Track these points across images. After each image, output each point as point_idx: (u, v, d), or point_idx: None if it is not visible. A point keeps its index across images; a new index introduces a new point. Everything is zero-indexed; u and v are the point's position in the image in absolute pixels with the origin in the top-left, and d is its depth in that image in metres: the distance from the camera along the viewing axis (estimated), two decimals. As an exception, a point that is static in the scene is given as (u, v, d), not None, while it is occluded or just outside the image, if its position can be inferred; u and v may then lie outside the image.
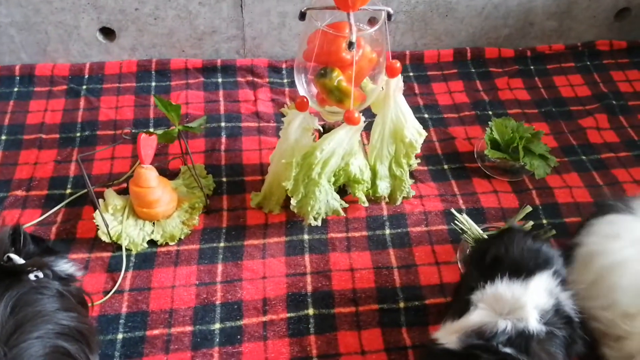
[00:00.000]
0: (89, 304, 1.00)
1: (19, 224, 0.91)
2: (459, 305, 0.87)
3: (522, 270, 0.85)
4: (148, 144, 1.17)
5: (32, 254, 0.91)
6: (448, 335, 0.83)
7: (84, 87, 1.51)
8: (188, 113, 1.46)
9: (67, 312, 0.86)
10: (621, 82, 1.61)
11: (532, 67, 1.64)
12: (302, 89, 1.12)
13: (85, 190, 1.19)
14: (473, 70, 1.63)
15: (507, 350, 0.80)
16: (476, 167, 1.37)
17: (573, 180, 1.35)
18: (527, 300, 0.82)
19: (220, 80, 1.55)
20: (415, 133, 1.19)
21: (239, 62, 1.57)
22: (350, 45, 0.98)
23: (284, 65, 1.58)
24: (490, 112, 1.51)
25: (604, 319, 0.93)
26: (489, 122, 1.37)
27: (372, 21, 1.52)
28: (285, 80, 1.56)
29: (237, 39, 1.56)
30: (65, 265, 0.95)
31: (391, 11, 1.03)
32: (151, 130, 1.41)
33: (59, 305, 0.86)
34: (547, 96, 1.56)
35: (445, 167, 1.37)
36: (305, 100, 1.10)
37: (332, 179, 1.16)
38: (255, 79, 1.55)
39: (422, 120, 1.45)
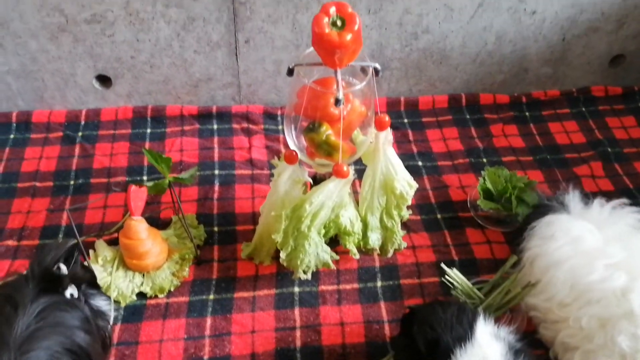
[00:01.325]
0: (109, 349, 1.00)
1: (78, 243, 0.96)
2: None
3: (462, 334, 0.86)
4: (138, 195, 1.17)
5: (77, 275, 0.93)
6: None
7: (80, 133, 1.52)
8: (182, 160, 1.46)
9: (85, 333, 0.88)
10: (616, 129, 1.60)
11: (527, 113, 1.64)
12: (291, 141, 1.12)
13: (76, 241, 1.19)
14: (468, 116, 1.63)
15: None
16: (469, 216, 1.36)
17: (568, 230, 1.33)
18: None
19: (215, 127, 1.56)
20: (405, 185, 1.18)
21: (234, 108, 1.58)
22: (337, 102, 0.99)
23: (279, 112, 1.59)
24: (484, 160, 1.50)
25: (543, 309, 1.08)
26: (482, 172, 1.36)
27: (364, 71, 1.54)
28: (280, 127, 1.57)
29: (233, 86, 1.57)
30: (101, 302, 0.98)
31: (378, 67, 1.04)
32: (144, 178, 1.42)
33: (79, 325, 0.88)
34: (542, 143, 1.56)
35: (439, 216, 1.37)
36: (294, 153, 1.11)
37: (323, 231, 1.15)
38: (251, 126, 1.56)
39: (415, 168, 1.46)
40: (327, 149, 1.08)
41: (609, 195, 1.40)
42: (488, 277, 1.22)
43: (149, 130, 1.54)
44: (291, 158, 1.11)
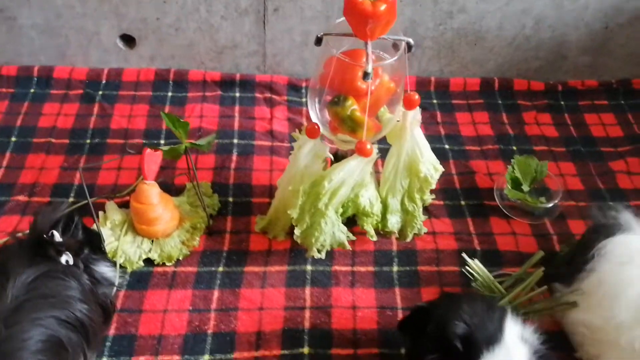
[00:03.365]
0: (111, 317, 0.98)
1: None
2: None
3: (493, 337, 0.81)
4: (153, 159, 1.13)
5: (77, 241, 0.91)
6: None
7: (100, 92, 1.49)
8: (201, 127, 1.42)
9: (82, 303, 0.85)
10: (657, 124, 1.53)
11: (562, 103, 1.57)
12: (314, 114, 1.08)
13: (86, 202, 1.16)
14: (500, 101, 1.56)
15: None
16: (495, 205, 1.30)
17: (597, 227, 1.27)
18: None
19: (237, 94, 1.52)
20: (431, 168, 1.13)
21: (258, 77, 1.54)
22: (366, 75, 0.94)
23: (304, 84, 1.54)
24: (514, 147, 1.44)
25: (596, 327, 1.01)
26: (512, 160, 1.30)
27: (395, 46, 1.48)
28: (303, 100, 1.51)
29: (258, 55, 1.52)
30: (105, 269, 0.97)
31: (411, 42, 0.99)
32: (162, 142, 1.38)
33: (74, 294, 0.85)
34: (576, 134, 1.49)
35: (463, 203, 1.31)
36: (316, 127, 1.06)
37: (340, 210, 1.11)
38: (274, 96, 1.51)
39: (442, 151, 1.41)
40: (351, 125, 1.03)
41: (642, 194, 1.35)
42: (511, 270, 1.17)
43: (169, 94, 1.50)
44: (313, 132, 1.06)
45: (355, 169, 1.06)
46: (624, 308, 0.96)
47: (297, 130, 1.25)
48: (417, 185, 1.14)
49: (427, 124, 1.49)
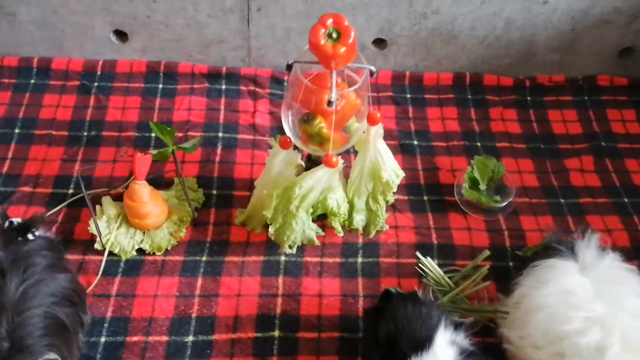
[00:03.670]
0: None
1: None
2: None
3: (422, 340, 0.94)
4: (143, 162, 1.25)
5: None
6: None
7: (95, 84, 1.60)
8: (189, 120, 1.54)
9: (64, 273, 1.02)
10: (615, 122, 1.63)
11: (529, 98, 1.67)
12: (287, 127, 1.19)
13: (82, 195, 1.29)
14: (470, 96, 1.66)
15: None
16: (454, 201, 1.43)
17: (547, 223, 1.40)
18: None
19: (223, 87, 1.62)
20: (392, 174, 1.26)
21: (243, 70, 1.64)
22: (329, 103, 1.04)
23: (285, 77, 1.64)
24: (479, 144, 1.55)
25: (518, 346, 1.10)
26: (473, 159, 1.42)
27: (377, 43, 1.58)
28: (284, 92, 1.62)
29: (243, 49, 1.62)
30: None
31: (373, 69, 1.09)
32: (152, 135, 1.50)
33: (57, 269, 1.01)
34: (538, 131, 1.60)
35: (425, 198, 1.44)
36: (288, 140, 1.18)
37: (311, 210, 1.24)
38: (257, 89, 1.62)
39: (410, 147, 1.53)
40: (319, 140, 1.15)
41: (594, 191, 1.47)
42: (464, 263, 1.31)
43: (160, 86, 1.61)
44: (285, 144, 1.18)
45: (323, 177, 1.19)
46: (534, 329, 1.06)
47: (272, 138, 1.37)
48: (380, 189, 1.27)
49: (400, 119, 1.60)
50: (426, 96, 1.66)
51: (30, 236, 1.03)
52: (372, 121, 1.17)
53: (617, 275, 1.12)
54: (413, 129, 1.58)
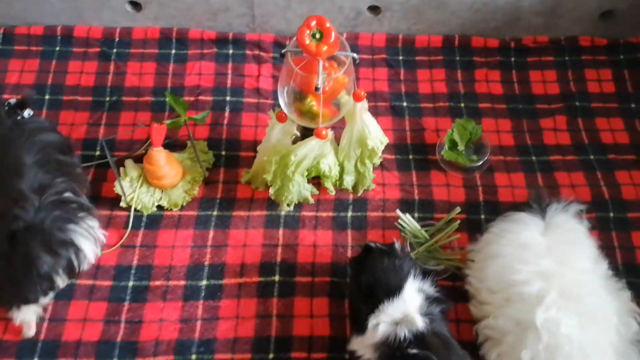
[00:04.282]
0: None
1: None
2: (360, 325, 1.16)
3: (394, 288, 1.14)
4: (159, 131, 1.44)
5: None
6: (363, 348, 1.13)
7: (114, 50, 1.75)
8: (200, 85, 1.70)
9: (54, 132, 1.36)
10: (591, 82, 1.75)
11: (513, 59, 1.79)
12: (283, 103, 1.36)
13: (107, 160, 1.49)
14: (458, 58, 1.79)
15: (414, 351, 1.09)
16: (436, 159, 1.59)
17: (518, 180, 1.56)
18: (410, 310, 1.12)
19: (230, 51, 1.77)
20: (377, 142, 1.43)
21: (248, 36, 1.78)
22: (317, 89, 1.20)
23: (288, 42, 1.78)
24: (462, 105, 1.70)
25: (475, 288, 1.26)
26: (456, 120, 1.57)
27: (372, 9, 1.69)
28: (287, 57, 1.76)
29: (247, 16, 1.75)
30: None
31: (356, 57, 1.24)
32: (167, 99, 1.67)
33: (58, 145, 1.33)
34: (519, 92, 1.73)
35: (411, 157, 1.60)
36: (284, 115, 1.35)
37: (306, 173, 1.43)
38: (261, 53, 1.77)
39: (400, 109, 1.68)
40: (310, 116, 1.32)
41: (564, 149, 1.62)
42: (442, 216, 1.49)
43: (173, 51, 1.76)
44: (281, 118, 1.35)
45: (315, 146, 1.37)
46: (491, 274, 1.23)
47: (271, 110, 1.53)
48: (367, 154, 1.45)
49: (392, 81, 1.74)
50: (417, 58, 1.79)
51: (25, 114, 1.32)
52: (357, 98, 1.33)
53: (574, 238, 1.27)
54: (403, 91, 1.72)
